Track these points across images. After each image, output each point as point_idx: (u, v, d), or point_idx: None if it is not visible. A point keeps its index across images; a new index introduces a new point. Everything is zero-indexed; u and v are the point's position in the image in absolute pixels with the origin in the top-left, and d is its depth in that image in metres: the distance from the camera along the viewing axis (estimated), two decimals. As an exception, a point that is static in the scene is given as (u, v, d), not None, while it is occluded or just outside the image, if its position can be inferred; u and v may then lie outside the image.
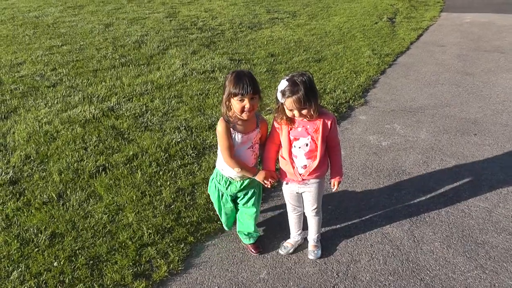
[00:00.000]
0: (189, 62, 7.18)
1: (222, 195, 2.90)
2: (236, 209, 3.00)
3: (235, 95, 2.40)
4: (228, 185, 2.80)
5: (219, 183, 2.83)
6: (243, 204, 2.91)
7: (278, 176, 2.77)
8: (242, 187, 2.79)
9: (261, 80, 6.34)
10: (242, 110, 2.45)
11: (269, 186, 2.74)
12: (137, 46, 8.23)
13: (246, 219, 2.97)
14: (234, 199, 2.94)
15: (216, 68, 6.77)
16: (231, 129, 2.53)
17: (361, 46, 8.18)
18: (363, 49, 7.95)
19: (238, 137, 2.57)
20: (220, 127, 2.53)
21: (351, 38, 8.85)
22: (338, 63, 7.19)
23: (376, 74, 6.69)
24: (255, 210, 2.91)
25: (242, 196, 2.87)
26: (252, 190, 2.84)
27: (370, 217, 3.35)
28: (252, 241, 3.04)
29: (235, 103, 2.43)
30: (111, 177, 3.85)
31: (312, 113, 2.46)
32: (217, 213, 3.08)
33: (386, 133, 4.77)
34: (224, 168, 2.74)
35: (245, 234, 3.03)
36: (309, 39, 8.80)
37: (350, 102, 5.61)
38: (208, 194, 3.12)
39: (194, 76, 6.49)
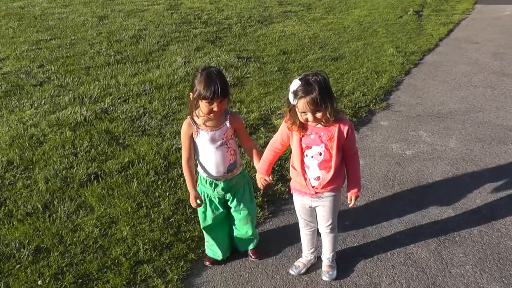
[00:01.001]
0: (192, 59, 7.26)
1: (212, 203, 2.93)
2: (228, 218, 3.07)
3: (204, 98, 2.53)
4: (214, 187, 2.87)
5: (204, 186, 2.90)
6: (235, 207, 2.97)
7: (271, 181, 2.85)
8: (228, 187, 2.87)
9: (272, 80, 6.39)
10: (210, 112, 2.61)
11: (260, 187, 2.88)
12: (134, 41, 8.34)
13: (243, 223, 3.04)
14: (226, 204, 2.99)
15: (222, 67, 6.83)
16: (196, 129, 2.69)
17: (384, 43, 8.20)
18: (385, 47, 7.97)
19: (204, 135, 2.70)
20: (183, 126, 2.74)
21: (372, 34, 8.88)
22: (357, 62, 7.22)
23: (400, 75, 6.70)
24: (248, 211, 2.99)
25: (231, 198, 2.94)
26: (242, 189, 2.93)
27: (392, 235, 3.36)
28: (252, 246, 3.13)
29: (203, 105, 2.58)
30: (103, 187, 3.90)
31: (328, 116, 2.45)
32: (206, 238, 3.10)
33: (410, 141, 4.78)
34: (203, 170, 2.84)
35: (243, 240, 3.11)
36: (325, 35, 8.84)
37: (371, 105, 5.63)
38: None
39: (197, 75, 6.55)
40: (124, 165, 4.22)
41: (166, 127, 4.95)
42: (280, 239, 3.34)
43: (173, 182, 3.95)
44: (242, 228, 3.07)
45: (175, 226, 3.42)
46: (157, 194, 3.80)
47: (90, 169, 4.14)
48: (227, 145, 2.77)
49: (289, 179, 2.83)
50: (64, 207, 3.64)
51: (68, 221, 3.50)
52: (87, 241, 3.28)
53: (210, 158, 2.77)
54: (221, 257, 3.10)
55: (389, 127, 5.10)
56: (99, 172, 4.10)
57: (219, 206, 2.95)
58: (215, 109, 2.57)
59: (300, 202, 2.83)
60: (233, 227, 3.11)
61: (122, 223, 3.45)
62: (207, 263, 3.11)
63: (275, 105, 5.45)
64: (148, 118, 5.16)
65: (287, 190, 3.79)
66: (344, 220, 3.43)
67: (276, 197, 3.79)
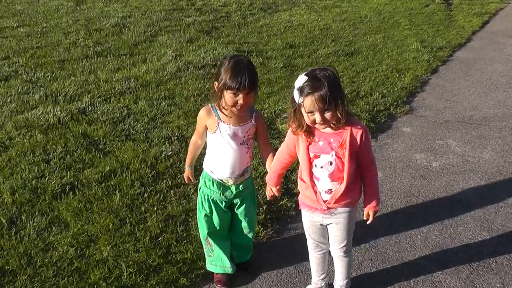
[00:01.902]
0: (184, 53, 7.31)
1: (217, 206, 3.00)
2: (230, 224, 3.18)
3: (230, 88, 2.65)
4: (223, 190, 2.96)
5: (210, 189, 2.97)
6: (241, 213, 3.08)
7: (278, 194, 2.96)
8: (238, 191, 2.98)
9: (276, 78, 6.44)
10: (234, 105, 2.71)
11: (269, 199, 3.04)
12: (117, 30, 8.39)
13: (247, 231, 3.16)
14: (230, 208, 3.10)
15: (218, 62, 6.85)
16: (217, 119, 2.81)
17: (407, 36, 8.26)
18: (409, 40, 8.03)
19: (225, 128, 2.81)
20: (201, 111, 2.88)
21: (393, 26, 8.95)
22: (376, 58, 7.27)
23: (425, 74, 6.75)
24: (253, 218, 3.15)
25: (239, 203, 3.05)
26: (249, 195, 3.09)
27: (416, 260, 3.38)
28: (247, 257, 3.26)
29: (228, 96, 2.69)
30: (80, 199, 3.92)
31: (339, 116, 2.47)
32: (208, 251, 3.16)
33: (438, 151, 4.81)
34: (214, 170, 2.92)
35: (242, 250, 3.23)
36: (338, 26, 8.90)
37: (391, 109, 5.67)
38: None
39: (191, 72, 6.61)
40: (104, 174, 4.24)
41: (153, 131, 4.98)
42: (285, 263, 3.35)
43: (161, 195, 3.97)
44: (244, 237, 3.19)
45: (164, 246, 3.43)
46: (143, 208, 3.82)
47: (64, 178, 4.17)
48: (247, 145, 2.90)
49: (296, 193, 2.87)
50: (33, 223, 3.66)
51: (38, 239, 3.51)
52: (61, 263, 3.29)
53: (227, 156, 2.86)
54: (231, 270, 3.14)
55: (413, 135, 5.14)
56: (76, 183, 4.12)
57: (225, 209, 3.05)
58: (240, 101, 2.67)
59: (310, 219, 2.85)
60: (233, 235, 3.22)
61: (102, 242, 3.47)
62: (219, 286, 3.14)
63: (280, 107, 5.49)
64: (132, 121, 5.20)
65: (294, 205, 3.82)
66: (360, 241, 3.46)
67: (281, 214, 3.81)
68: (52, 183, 4.10)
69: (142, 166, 4.34)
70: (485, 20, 9.35)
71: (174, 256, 3.36)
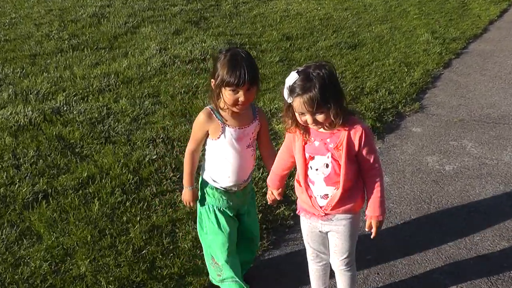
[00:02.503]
0: (169, 46, 7.32)
1: (227, 216, 2.95)
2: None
3: (228, 85, 2.63)
4: (230, 198, 2.94)
5: (215, 197, 2.93)
6: (249, 221, 3.09)
7: (280, 197, 2.95)
8: (244, 196, 3.00)
9: (272, 73, 6.46)
10: (235, 104, 2.69)
11: (269, 202, 3.02)
12: (95, 21, 8.39)
13: (255, 241, 3.18)
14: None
15: (208, 56, 6.90)
16: (222, 124, 2.77)
17: (416, 27, 8.29)
18: (418, 31, 8.06)
19: (231, 132, 2.78)
20: (201, 115, 2.81)
21: (401, 15, 8.99)
22: (382, 50, 7.29)
23: (437, 68, 6.79)
24: (258, 225, 3.19)
25: (246, 213, 3.06)
26: (252, 199, 3.11)
27: (428, 273, 3.38)
28: (245, 270, 3.25)
29: (227, 94, 2.67)
30: (55, 209, 3.92)
31: (333, 119, 2.48)
32: (226, 273, 3.06)
33: (451, 153, 4.84)
34: (218, 178, 2.90)
35: (245, 263, 3.21)
36: (340, 16, 8.93)
37: (399, 107, 5.70)
38: (197, 233, 3.20)
39: (177, 67, 6.62)
40: (81, 181, 4.24)
41: (136, 133, 4.99)
42: (282, 277, 3.36)
43: (145, 204, 3.97)
44: (248, 251, 3.19)
45: (148, 260, 3.43)
46: (125, 218, 3.82)
47: (37, 186, 4.16)
48: (253, 147, 2.91)
49: (294, 200, 2.87)
50: (2, 235, 3.65)
51: (7, 253, 3.50)
52: (33, 279, 3.28)
53: (233, 163, 2.84)
54: None
55: (424, 135, 5.17)
56: (49, 190, 4.11)
57: (235, 218, 3.02)
58: (241, 98, 2.66)
59: (308, 225, 2.85)
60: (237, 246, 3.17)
61: (80, 256, 3.46)
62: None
63: (276, 106, 5.50)
64: (113, 121, 5.20)
65: (292, 214, 3.82)
66: (364, 253, 3.45)
67: (278, 224, 3.82)
68: (23, 191, 4.09)
69: (124, 172, 4.34)
70: (504, 9, 9.39)
71: (159, 271, 3.35)
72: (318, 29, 8.20)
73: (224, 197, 2.93)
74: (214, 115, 2.78)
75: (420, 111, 5.66)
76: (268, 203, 3.03)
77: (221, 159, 2.85)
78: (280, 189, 2.92)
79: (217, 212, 2.95)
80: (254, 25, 8.39)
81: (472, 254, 3.54)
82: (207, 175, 2.95)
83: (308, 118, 2.48)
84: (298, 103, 2.45)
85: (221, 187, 2.91)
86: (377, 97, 5.81)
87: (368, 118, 5.24)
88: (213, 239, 3.00)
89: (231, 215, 2.98)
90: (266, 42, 7.58)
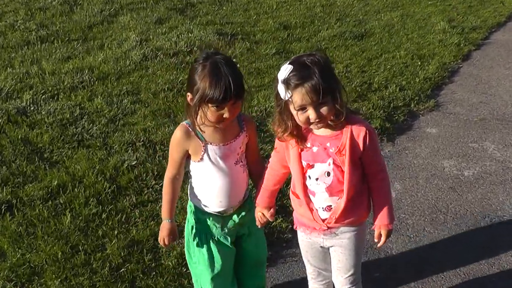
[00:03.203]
0: (151, 37, 7.31)
1: (219, 243, 2.86)
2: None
3: (211, 101, 2.49)
4: (225, 223, 2.84)
5: (211, 228, 2.84)
6: (251, 246, 2.97)
7: (272, 218, 2.84)
8: (240, 218, 2.86)
9: (267, 67, 6.46)
10: (219, 121, 2.58)
11: (258, 226, 2.88)
12: (66, 10, 8.37)
13: (258, 269, 3.08)
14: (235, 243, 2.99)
15: (195, 48, 6.89)
16: (203, 143, 2.67)
17: (431, 14, 8.31)
18: (433, 19, 8.07)
19: (214, 150, 2.67)
20: (177, 132, 2.69)
21: (413, 1, 9.00)
22: (392, 41, 7.30)
23: (455, 61, 6.80)
24: (265, 251, 3.12)
25: (247, 234, 2.93)
26: (255, 223, 2.89)
27: (445, 293, 3.41)
28: None
29: (209, 112, 2.54)
30: (20, 222, 3.91)
31: (339, 108, 2.45)
32: None
33: (471, 157, 4.85)
34: (208, 203, 2.80)
35: None
36: (345, 1, 8.94)
37: (412, 105, 5.71)
38: (183, 248, 3.19)
39: (160, 60, 6.62)
40: (51, 190, 4.23)
41: (113, 136, 4.98)
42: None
43: (124, 216, 3.97)
44: (255, 277, 3.08)
45: (127, 280, 3.42)
46: (100, 233, 3.81)
47: (0, 196, 4.15)
48: (242, 162, 2.78)
49: (292, 211, 2.86)
50: (-39, 252, 3.66)
51: (-33, 272, 3.51)
52: (-4, 302, 3.29)
53: (222, 185, 2.73)
54: None
55: (440, 137, 5.18)
56: (14, 201, 4.10)
57: (231, 246, 2.89)
58: (226, 115, 2.53)
59: (307, 241, 2.85)
60: (243, 277, 3.09)
61: (49, 275, 3.45)
62: None
63: (272, 104, 5.48)
64: (87, 123, 5.20)
65: (289, 227, 3.82)
66: (371, 270, 3.47)
67: (275, 238, 3.82)
68: (-16, 201, 4.10)
69: (99, 180, 4.33)
70: (529, -6, 9.43)
71: (140, 292, 3.36)
72: (320, 17, 8.20)
73: (217, 224, 2.82)
74: (192, 132, 2.66)
75: (436, 110, 5.68)
76: (259, 226, 2.88)
77: (208, 182, 2.74)
78: (272, 209, 2.82)
79: (210, 242, 2.85)
80: (247, 13, 8.39)
81: (494, 269, 3.55)
82: (195, 200, 2.85)
83: (311, 113, 2.42)
84: (299, 94, 2.39)
85: (213, 211, 2.81)
86: (387, 94, 5.82)
87: (377, 118, 5.25)
88: (203, 271, 2.90)
89: (227, 243, 2.87)
90: (261, 32, 7.57)
